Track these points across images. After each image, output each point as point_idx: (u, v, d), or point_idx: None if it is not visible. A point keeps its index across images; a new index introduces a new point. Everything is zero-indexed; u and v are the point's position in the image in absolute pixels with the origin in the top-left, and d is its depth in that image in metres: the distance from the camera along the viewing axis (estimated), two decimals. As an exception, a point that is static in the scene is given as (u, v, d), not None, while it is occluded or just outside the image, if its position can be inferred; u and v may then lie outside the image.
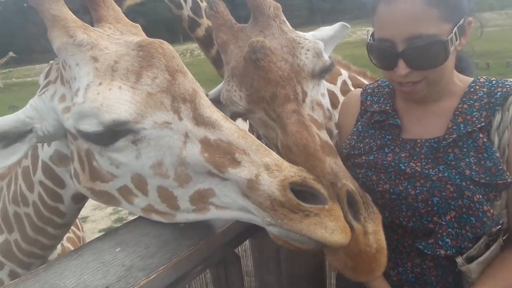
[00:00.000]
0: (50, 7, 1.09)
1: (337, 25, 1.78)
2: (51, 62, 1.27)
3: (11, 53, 37.03)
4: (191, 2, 2.97)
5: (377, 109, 1.47)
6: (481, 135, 1.22)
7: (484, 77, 1.35)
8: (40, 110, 1.14)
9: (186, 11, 2.97)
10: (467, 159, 1.21)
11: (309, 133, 1.23)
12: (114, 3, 1.30)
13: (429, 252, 1.25)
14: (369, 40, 1.31)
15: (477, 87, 1.31)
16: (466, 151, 1.23)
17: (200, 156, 1.02)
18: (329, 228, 0.97)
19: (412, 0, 1.14)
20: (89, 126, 1.00)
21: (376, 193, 1.34)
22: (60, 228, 1.55)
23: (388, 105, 1.45)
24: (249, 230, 1.39)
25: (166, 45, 1.12)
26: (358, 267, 1.15)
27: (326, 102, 1.47)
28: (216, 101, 1.61)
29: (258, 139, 1.11)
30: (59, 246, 2.03)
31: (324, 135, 1.30)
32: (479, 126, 1.23)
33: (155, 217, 1.16)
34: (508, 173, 1.16)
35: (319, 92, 1.43)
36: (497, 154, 1.18)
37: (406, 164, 1.30)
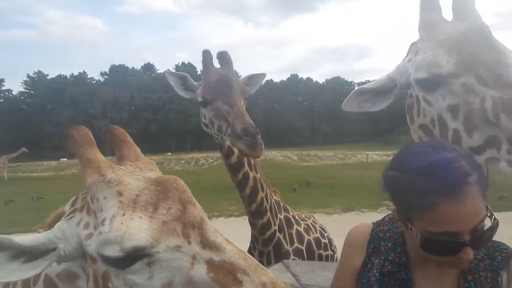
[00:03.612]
0: (86, 152, 1.35)
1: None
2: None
3: (23, 149, 38.45)
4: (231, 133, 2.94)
5: (391, 258, 1.48)
6: None
7: None
8: (66, 232, 1.28)
9: (228, 141, 2.99)
10: None
11: None
12: (134, 143, 1.55)
13: None
14: (422, 236, 1.24)
15: None
16: None
17: (206, 275, 1.14)
18: None
19: (475, 197, 1.17)
20: (112, 252, 1.14)
21: None
22: None
23: (403, 257, 1.47)
24: None
25: (179, 181, 1.34)
26: None
27: None
28: (376, 92, 1.85)
29: None
30: None
31: None
32: (487, 286, 1.29)
33: None
34: None
35: None
36: None
37: None
